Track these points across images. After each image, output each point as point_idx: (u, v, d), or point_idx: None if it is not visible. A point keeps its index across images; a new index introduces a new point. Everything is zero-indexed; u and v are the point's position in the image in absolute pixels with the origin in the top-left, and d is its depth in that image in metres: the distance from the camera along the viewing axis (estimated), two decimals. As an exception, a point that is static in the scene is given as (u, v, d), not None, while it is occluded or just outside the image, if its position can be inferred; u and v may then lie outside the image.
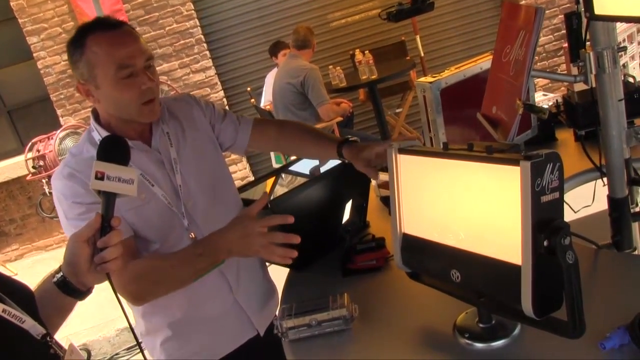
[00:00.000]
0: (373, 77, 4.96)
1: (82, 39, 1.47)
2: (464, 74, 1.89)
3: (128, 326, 1.19)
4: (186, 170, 1.62)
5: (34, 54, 5.67)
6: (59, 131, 5.10)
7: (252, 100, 5.16)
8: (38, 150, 5.17)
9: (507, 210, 1.06)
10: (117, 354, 4.06)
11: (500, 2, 6.22)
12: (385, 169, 1.40)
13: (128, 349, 4.05)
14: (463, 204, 1.17)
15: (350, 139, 1.69)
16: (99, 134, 1.56)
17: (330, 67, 5.33)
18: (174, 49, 5.78)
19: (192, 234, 1.60)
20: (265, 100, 5.38)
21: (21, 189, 5.95)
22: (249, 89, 5.57)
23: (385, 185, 2.09)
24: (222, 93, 5.94)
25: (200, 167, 1.67)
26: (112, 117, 1.56)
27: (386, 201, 2.02)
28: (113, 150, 1.16)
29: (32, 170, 5.16)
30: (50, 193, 5.13)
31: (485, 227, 1.13)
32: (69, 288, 1.11)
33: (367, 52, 5.07)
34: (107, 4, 5.22)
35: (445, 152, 1.20)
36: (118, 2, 5.55)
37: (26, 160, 5.18)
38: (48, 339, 1.02)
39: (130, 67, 1.47)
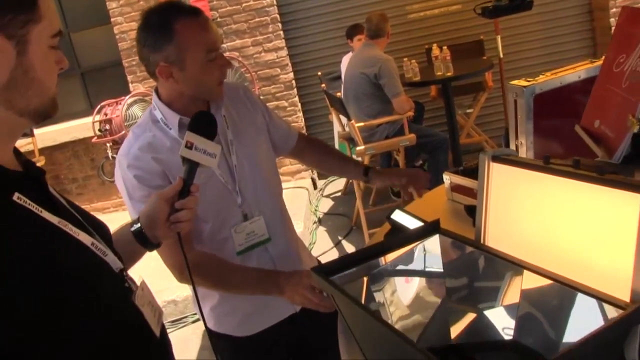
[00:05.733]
0: (449, 73, 4.78)
1: (169, 23, 1.55)
2: (560, 81, 1.74)
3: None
4: (241, 152, 1.72)
5: (112, 19, 5.73)
6: (127, 97, 5.15)
7: (323, 85, 5.06)
8: (105, 114, 5.24)
9: (616, 240, 0.94)
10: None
11: (589, 9, 5.92)
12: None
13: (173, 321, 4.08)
14: (561, 225, 1.06)
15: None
16: (160, 112, 1.65)
17: (405, 59, 5.18)
18: (248, 26, 5.74)
19: (244, 211, 1.71)
20: None
21: (86, 150, 6.07)
22: (319, 73, 5.48)
23: (459, 189, 1.97)
24: (291, 75, 5.87)
25: (253, 150, 1.77)
26: (178, 98, 1.64)
27: (469, 210, 1.88)
28: (204, 124, 1.31)
29: (98, 133, 5.23)
30: (113, 157, 5.23)
31: (585, 255, 1.01)
32: (142, 238, 1.24)
33: (445, 47, 4.90)
34: (189, -24, 5.22)
35: (546, 167, 1.09)
36: (198, -26, 5.55)
37: (93, 123, 5.26)
38: (124, 273, 1.11)
39: (216, 51, 1.60)
